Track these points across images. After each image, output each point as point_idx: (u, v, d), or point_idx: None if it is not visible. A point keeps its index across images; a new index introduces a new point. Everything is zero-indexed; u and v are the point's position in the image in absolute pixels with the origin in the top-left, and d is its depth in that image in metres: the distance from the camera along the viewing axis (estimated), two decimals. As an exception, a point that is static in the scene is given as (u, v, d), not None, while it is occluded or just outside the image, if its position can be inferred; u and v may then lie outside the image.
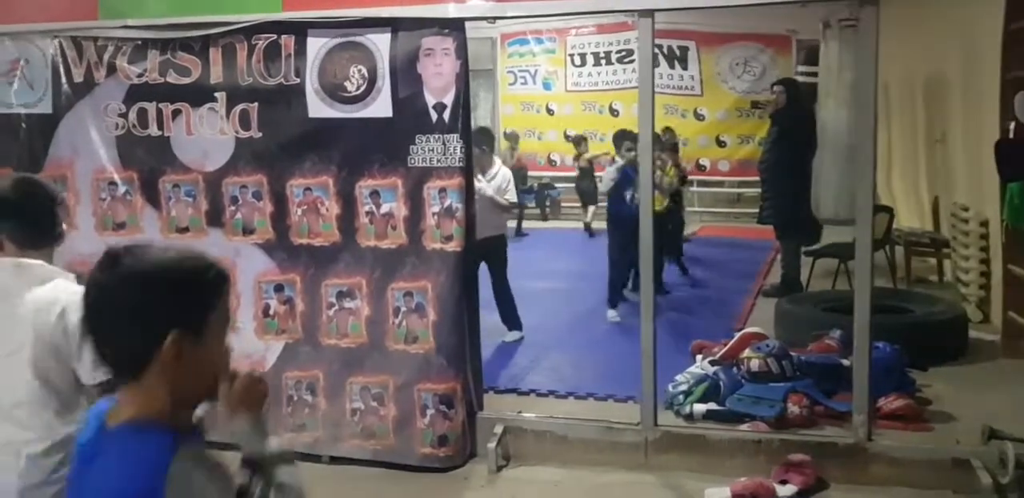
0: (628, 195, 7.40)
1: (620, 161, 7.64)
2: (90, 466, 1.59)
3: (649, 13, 4.67)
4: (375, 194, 4.96)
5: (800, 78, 9.38)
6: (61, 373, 2.54)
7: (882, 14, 4.42)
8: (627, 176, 7.44)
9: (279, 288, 5.13)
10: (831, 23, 6.51)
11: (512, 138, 13.19)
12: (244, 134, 5.07)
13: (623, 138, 7.85)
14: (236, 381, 1.74)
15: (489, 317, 5.33)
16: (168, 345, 1.56)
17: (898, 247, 8.63)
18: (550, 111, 13.63)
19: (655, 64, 4.86)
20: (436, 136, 4.84)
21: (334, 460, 4.99)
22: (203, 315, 1.61)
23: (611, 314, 7.56)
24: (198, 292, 1.61)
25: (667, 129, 10.76)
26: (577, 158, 12.57)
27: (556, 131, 13.55)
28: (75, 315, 2.37)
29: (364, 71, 4.86)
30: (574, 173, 12.74)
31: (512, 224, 12.13)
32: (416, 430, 4.93)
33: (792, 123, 8.17)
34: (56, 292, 2.56)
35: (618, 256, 7.59)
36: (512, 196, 6.92)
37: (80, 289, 1.82)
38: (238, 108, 5.05)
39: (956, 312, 6.71)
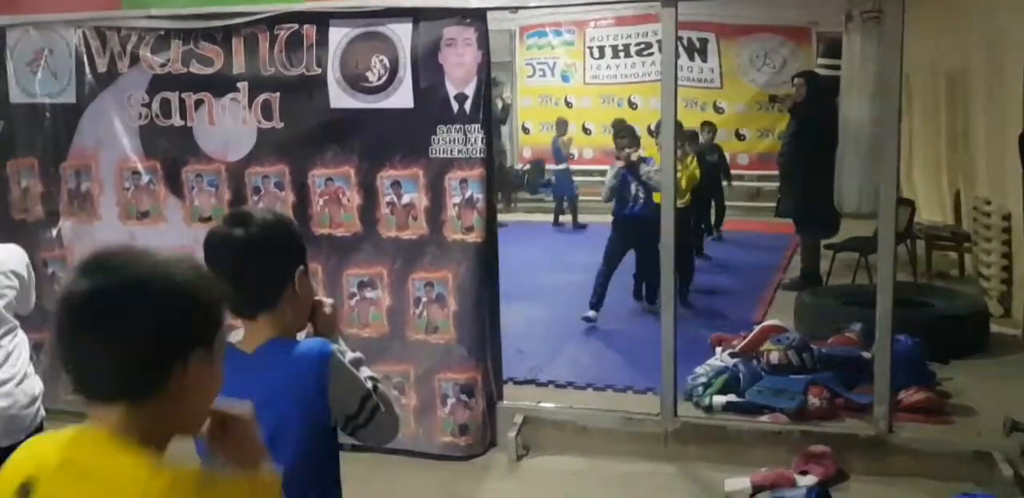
0: (631, 196, 7.15)
1: (618, 164, 7.28)
2: (248, 376, 1.79)
3: (672, 3, 4.66)
4: (396, 185, 4.97)
5: (821, 71, 9.32)
6: None
7: (906, 5, 4.40)
8: (625, 180, 7.17)
9: (300, 278, 5.14)
10: (853, 15, 6.47)
11: (561, 126, 12.75)
12: (266, 124, 5.09)
13: (621, 132, 7.59)
14: (322, 310, 2.16)
15: (507, 308, 5.33)
16: (297, 278, 2.05)
17: (919, 241, 8.58)
18: (568, 104, 13.61)
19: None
20: (457, 127, 4.84)
21: (355, 448, 4.98)
22: (306, 257, 2.13)
23: (590, 314, 7.17)
24: (302, 240, 2.14)
25: (706, 124, 10.76)
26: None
27: (575, 124, 13.52)
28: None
29: (386, 61, 4.87)
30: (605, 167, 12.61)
31: (566, 218, 12.09)
32: (437, 419, 4.95)
33: (812, 116, 8.13)
34: None
35: (611, 257, 7.27)
36: None
37: None
38: (260, 98, 5.07)
39: (977, 306, 6.68)
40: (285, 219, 2.19)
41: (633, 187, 7.15)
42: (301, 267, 2.07)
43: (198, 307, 1.40)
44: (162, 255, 1.43)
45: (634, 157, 7.19)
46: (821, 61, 10.26)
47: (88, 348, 1.34)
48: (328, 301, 2.20)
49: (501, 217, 10.82)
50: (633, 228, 7.10)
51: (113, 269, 1.37)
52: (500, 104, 12.27)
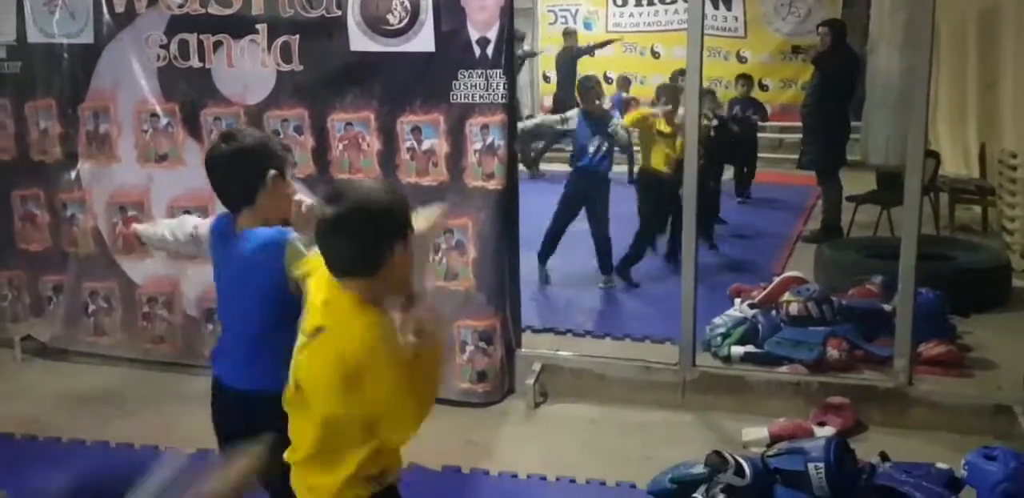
0: (592, 147, 6.75)
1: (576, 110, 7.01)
2: (234, 248, 2.70)
3: (701, -54, 4.54)
4: (416, 130, 4.91)
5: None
6: None
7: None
8: (582, 125, 6.85)
9: (320, 223, 5.13)
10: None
11: (623, 82, 12.35)
12: (285, 67, 5.02)
13: (588, 85, 6.99)
14: (300, 209, 2.70)
15: (527, 256, 5.32)
16: (269, 180, 2.71)
17: (942, 194, 8.48)
18: (590, 52, 13.40)
19: (700, 4, 4.74)
20: (479, 72, 4.76)
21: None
22: (282, 164, 2.81)
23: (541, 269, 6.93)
24: (278, 150, 2.82)
25: (741, 77, 10.01)
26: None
27: (596, 73, 13.32)
28: None
29: (407, 4, 4.77)
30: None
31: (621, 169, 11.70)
32: (455, 366, 4.96)
33: (836, 66, 7.99)
34: None
35: (562, 212, 6.93)
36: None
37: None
38: (279, 40, 4.99)
39: (1000, 260, 6.62)
40: (263, 137, 2.85)
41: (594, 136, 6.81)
42: (272, 172, 2.66)
43: (396, 217, 2.17)
44: (369, 184, 2.56)
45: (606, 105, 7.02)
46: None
47: (340, 247, 2.15)
48: (307, 201, 2.68)
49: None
50: (591, 181, 6.87)
51: (345, 197, 2.14)
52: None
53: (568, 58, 11.96)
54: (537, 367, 5.01)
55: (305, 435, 2.28)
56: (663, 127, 6.87)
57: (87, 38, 5.30)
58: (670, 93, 7.09)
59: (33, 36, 5.39)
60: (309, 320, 2.26)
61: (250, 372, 2.70)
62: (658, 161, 7.00)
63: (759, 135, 11.38)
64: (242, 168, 2.67)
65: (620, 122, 6.99)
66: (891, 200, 7.20)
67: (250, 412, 2.63)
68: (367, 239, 2.12)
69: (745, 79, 10.00)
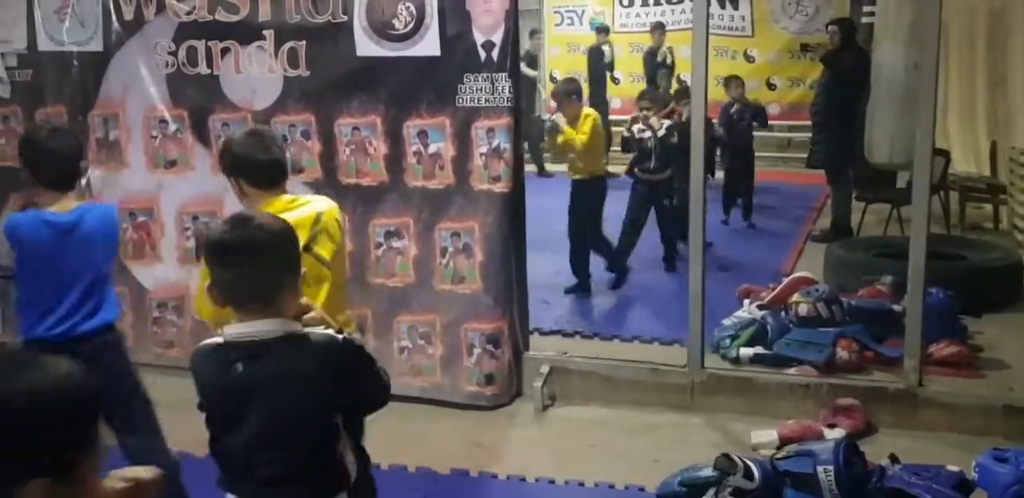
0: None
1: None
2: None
3: (705, -53, 4.54)
4: (423, 134, 4.93)
5: (864, 19, 9.09)
6: None
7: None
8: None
9: (328, 227, 5.14)
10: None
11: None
12: (292, 72, 5.04)
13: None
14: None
15: (534, 259, 5.32)
16: None
17: (953, 193, 8.44)
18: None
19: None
20: (484, 75, 4.77)
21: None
22: None
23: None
24: None
25: (731, 79, 9.11)
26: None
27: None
28: None
29: (412, 8, 4.79)
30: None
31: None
32: (463, 368, 4.97)
33: (846, 65, 7.97)
34: None
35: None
36: None
37: None
38: (286, 46, 5.01)
39: (1011, 259, 6.58)
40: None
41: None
42: None
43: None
44: None
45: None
46: (866, 8, 10.03)
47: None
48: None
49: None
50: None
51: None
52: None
53: (599, 56, 11.97)
54: (545, 370, 5.01)
55: None
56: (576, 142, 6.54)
57: (96, 46, 5.33)
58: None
59: (43, 44, 5.43)
60: None
61: None
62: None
63: (766, 135, 11.22)
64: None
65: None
66: (901, 199, 7.18)
67: None
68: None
69: (735, 80, 8.98)
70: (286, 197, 3.07)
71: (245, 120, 5.16)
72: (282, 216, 2.45)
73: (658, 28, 11.95)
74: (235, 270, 2.14)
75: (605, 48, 12.00)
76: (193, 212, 5.35)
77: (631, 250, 7.05)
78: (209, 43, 5.14)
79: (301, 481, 2.20)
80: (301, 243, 2.43)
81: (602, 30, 12.29)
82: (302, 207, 3.04)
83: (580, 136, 6.42)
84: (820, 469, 3.56)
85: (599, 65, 11.95)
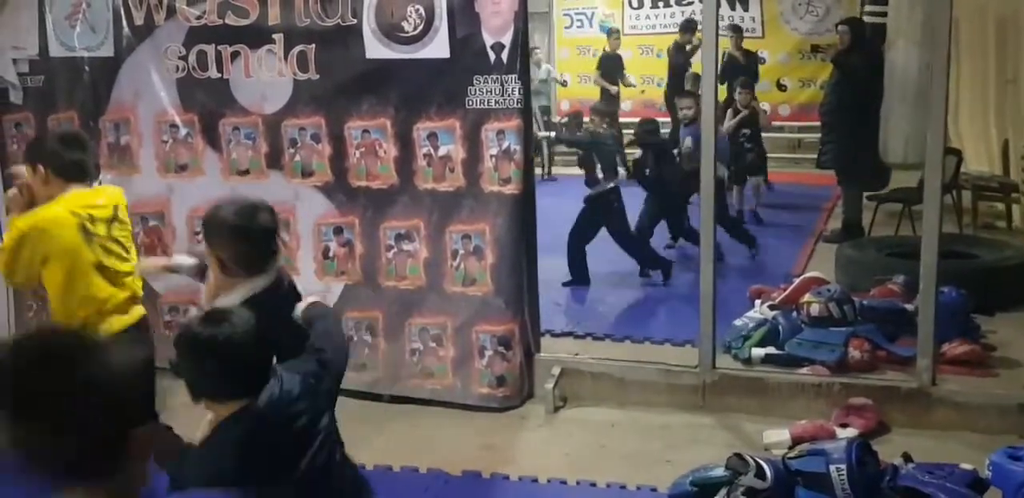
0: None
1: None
2: None
3: (713, -53, 4.54)
4: (433, 136, 4.94)
5: (867, 18, 9.08)
6: None
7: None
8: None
9: (338, 230, 5.16)
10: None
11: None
12: (302, 76, 5.06)
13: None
14: None
15: (545, 261, 5.32)
16: None
17: (965, 191, 8.41)
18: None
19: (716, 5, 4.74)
20: (494, 77, 4.78)
21: (394, 399, 5.07)
22: None
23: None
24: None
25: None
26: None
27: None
28: None
29: (421, 10, 4.80)
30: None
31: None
32: (474, 370, 4.98)
33: (856, 65, 7.94)
34: None
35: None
36: None
37: None
38: (296, 50, 5.03)
39: (1024, 258, 6.56)
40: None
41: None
42: None
43: None
44: None
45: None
46: (867, 8, 10.00)
47: None
48: None
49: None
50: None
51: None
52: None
53: (614, 60, 12.01)
54: (556, 371, 5.01)
55: None
56: None
57: (107, 51, 5.37)
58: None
59: (55, 50, 5.47)
60: None
61: None
62: None
63: (777, 136, 11.14)
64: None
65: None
66: (913, 198, 7.15)
67: None
68: None
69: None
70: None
71: (255, 124, 5.18)
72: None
73: (689, 28, 11.13)
74: None
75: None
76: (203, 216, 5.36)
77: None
78: (219, 47, 5.16)
79: None
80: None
81: (613, 34, 12.27)
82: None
83: None
84: (833, 468, 3.55)
85: (617, 71, 11.95)
